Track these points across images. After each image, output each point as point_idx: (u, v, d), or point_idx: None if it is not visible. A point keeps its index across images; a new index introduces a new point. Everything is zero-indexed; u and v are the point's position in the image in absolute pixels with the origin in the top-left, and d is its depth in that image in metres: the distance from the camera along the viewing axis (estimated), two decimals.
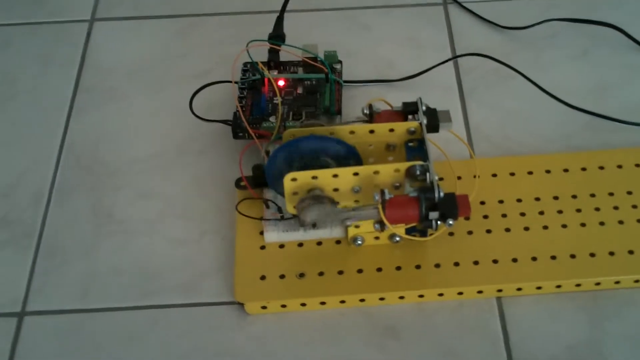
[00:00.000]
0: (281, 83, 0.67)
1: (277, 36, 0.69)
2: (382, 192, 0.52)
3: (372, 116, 0.57)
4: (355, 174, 0.54)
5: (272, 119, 0.64)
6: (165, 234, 0.61)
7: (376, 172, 0.54)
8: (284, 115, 0.64)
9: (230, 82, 0.67)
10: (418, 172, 0.53)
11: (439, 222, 0.53)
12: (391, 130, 0.56)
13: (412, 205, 0.52)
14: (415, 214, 0.53)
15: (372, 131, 0.56)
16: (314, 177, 0.54)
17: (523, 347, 0.55)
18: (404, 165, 0.54)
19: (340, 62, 0.68)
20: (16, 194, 0.64)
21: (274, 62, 0.68)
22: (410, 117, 0.57)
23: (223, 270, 0.59)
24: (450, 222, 0.53)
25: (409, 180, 0.54)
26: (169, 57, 0.74)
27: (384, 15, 0.76)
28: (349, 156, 0.56)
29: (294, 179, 0.54)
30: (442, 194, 0.52)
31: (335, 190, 0.54)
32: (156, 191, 0.64)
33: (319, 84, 0.67)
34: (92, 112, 0.70)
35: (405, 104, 0.58)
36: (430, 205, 0.52)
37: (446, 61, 0.70)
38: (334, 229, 0.58)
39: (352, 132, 0.56)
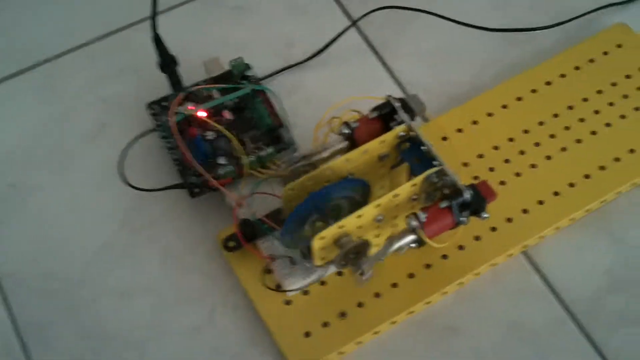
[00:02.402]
0: (203, 114, 0.60)
1: (168, 63, 0.61)
2: (416, 216, 0.50)
3: (352, 133, 0.53)
4: (377, 205, 0.51)
5: (221, 160, 0.58)
6: (173, 328, 0.56)
7: (396, 196, 0.51)
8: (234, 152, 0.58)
9: (155, 130, 0.60)
10: (436, 179, 0.51)
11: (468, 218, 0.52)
12: (382, 142, 0.53)
13: (446, 215, 0.51)
14: (451, 222, 0.51)
15: (366, 151, 0.53)
16: (341, 227, 0.50)
17: (568, 289, 0.56)
18: (419, 179, 0.51)
19: (249, 66, 0.63)
20: None
21: (181, 93, 0.61)
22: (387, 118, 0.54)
23: (256, 341, 0.55)
24: (485, 215, 0.51)
25: (423, 187, 0.52)
26: (52, 120, 0.64)
27: None
28: (356, 187, 0.53)
29: (322, 238, 0.50)
30: (471, 193, 0.51)
31: (359, 227, 0.51)
32: (134, 285, 0.57)
33: (243, 100, 0.61)
34: (5, 226, 0.60)
35: (378, 108, 0.54)
36: (462, 208, 0.51)
37: (346, 29, 0.66)
38: None
39: (347, 160, 0.53)
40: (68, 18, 0.69)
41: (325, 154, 0.54)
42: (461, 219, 0.51)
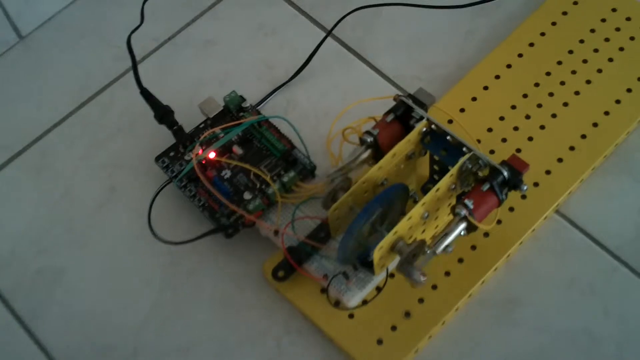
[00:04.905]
0: (212, 155, 0.60)
1: (163, 115, 0.61)
2: (464, 204, 0.51)
3: (377, 141, 0.54)
4: (423, 204, 0.52)
5: (247, 195, 0.58)
6: None
7: (437, 190, 0.52)
8: (258, 185, 0.59)
9: (172, 181, 0.60)
10: (470, 165, 0.52)
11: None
12: (408, 141, 0.54)
13: (490, 197, 0.52)
14: (497, 202, 0.52)
15: (394, 154, 0.54)
16: (395, 233, 0.51)
17: (610, 236, 0.58)
18: (455, 169, 0.52)
19: (243, 98, 0.62)
20: None
21: (187, 140, 0.61)
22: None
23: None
24: (525, 187, 0.53)
25: (459, 175, 0.53)
26: (58, 199, 0.63)
27: (211, 19, 0.70)
28: (397, 192, 0.54)
29: (380, 248, 0.51)
30: (507, 170, 0.52)
31: (409, 229, 0.52)
32: (194, 339, 0.57)
33: (247, 131, 0.61)
34: (46, 316, 0.58)
35: (392, 110, 0.55)
36: (501, 186, 0.52)
37: (323, 40, 0.66)
38: None
39: (380, 168, 0.53)
40: (45, 94, 0.67)
41: (353, 166, 0.54)
42: (502, 196, 0.53)
